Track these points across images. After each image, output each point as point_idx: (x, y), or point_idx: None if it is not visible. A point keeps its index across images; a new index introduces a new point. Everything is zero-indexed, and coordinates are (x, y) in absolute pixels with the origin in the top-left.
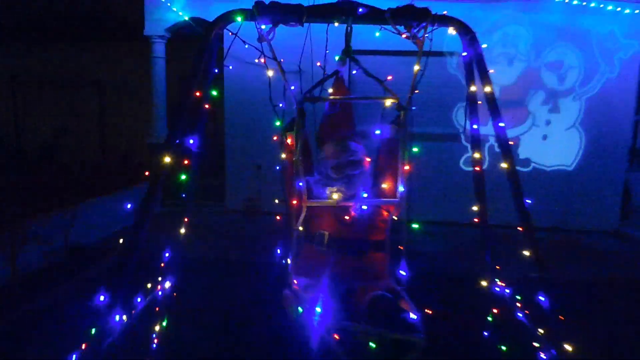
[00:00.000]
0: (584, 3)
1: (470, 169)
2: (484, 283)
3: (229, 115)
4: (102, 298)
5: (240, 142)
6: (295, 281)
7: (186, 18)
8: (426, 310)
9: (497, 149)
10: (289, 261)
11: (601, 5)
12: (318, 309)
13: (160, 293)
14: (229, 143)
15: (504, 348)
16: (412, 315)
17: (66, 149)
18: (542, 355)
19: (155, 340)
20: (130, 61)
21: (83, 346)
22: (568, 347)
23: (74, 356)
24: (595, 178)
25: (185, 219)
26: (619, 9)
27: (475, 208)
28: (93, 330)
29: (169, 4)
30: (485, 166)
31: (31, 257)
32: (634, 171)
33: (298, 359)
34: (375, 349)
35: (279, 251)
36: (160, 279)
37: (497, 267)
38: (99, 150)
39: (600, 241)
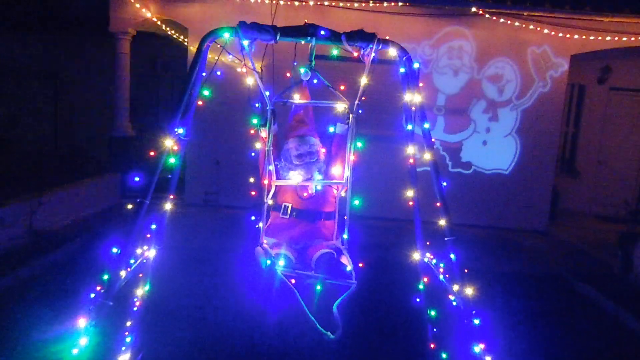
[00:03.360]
0: (523, 25)
1: (419, 169)
2: (416, 256)
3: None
4: (115, 250)
5: (199, 138)
6: (265, 240)
7: (151, 17)
8: (360, 264)
9: (442, 152)
10: (260, 225)
11: (538, 28)
12: (281, 261)
13: (144, 261)
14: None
15: (420, 286)
16: (348, 268)
17: (19, 140)
18: (454, 304)
19: (137, 304)
20: (88, 54)
21: (98, 288)
22: (470, 293)
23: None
24: (527, 182)
25: (171, 195)
26: (552, 32)
27: (410, 194)
28: (105, 277)
29: (135, 3)
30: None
31: None
32: (562, 177)
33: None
34: (319, 290)
35: (253, 218)
36: (145, 247)
37: (428, 242)
38: (52, 143)
39: (529, 240)
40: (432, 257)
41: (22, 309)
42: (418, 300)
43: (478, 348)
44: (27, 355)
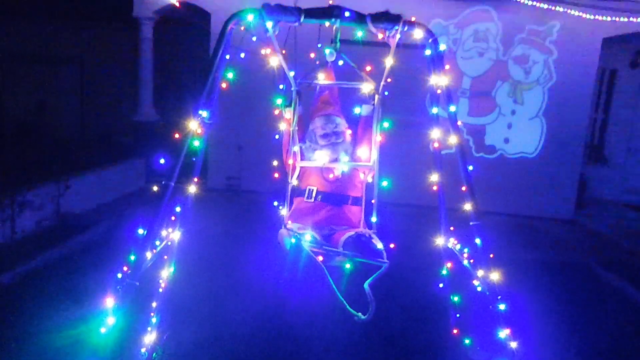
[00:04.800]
0: (552, 7)
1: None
2: (440, 241)
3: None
4: (141, 231)
5: (221, 123)
6: (289, 222)
7: (174, 1)
8: (391, 245)
9: (466, 136)
10: (284, 210)
11: (568, 10)
12: (307, 236)
13: (169, 243)
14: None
15: (444, 272)
16: (379, 246)
17: (46, 126)
18: (479, 289)
19: (162, 285)
20: (113, 41)
21: (125, 269)
22: (495, 278)
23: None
24: (554, 167)
25: (196, 179)
26: (583, 14)
27: (434, 178)
28: (132, 257)
29: None
30: (453, 150)
31: (25, 223)
32: (591, 166)
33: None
34: (349, 269)
35: (275, 203)
36: (170, 230)
37: (452, 228)
38: (78, 128)
39: (555, 228)
40: (456, 242)
41: (51, 290)
42: (441, 285)
43: (503, 333)
44: (56, 334)
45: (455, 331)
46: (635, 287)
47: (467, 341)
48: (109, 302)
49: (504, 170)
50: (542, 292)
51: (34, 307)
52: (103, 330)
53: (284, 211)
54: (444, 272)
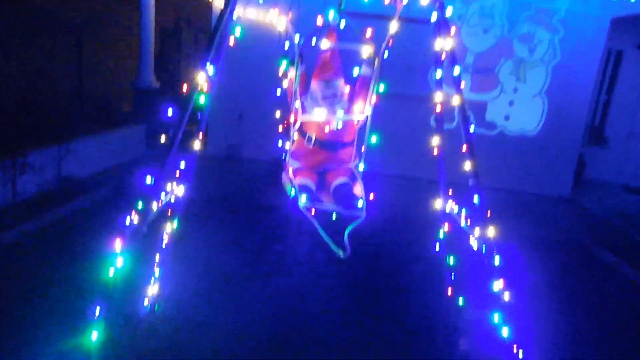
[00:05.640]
0: None
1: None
2: (438, 204)
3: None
4: (149, 179)
5: (222, 90)
6: (290, 161)
7: None
8: (371, 195)
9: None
10: (289, 159)
11: None
12: (303, 197)
13: (173, 199)
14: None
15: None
16: (360, 204)
17: (42, 94)
18: (474, 248)
19: (166, 239)
20: (113, 7)
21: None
22: (491, 232)
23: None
24: (553, 146)
25: (200, 135)
26: None
27: (435, 142)
28: (140, 205)
29: None
30: (454, 126)
31: (27, 186)
32: (591, 147)
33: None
34: (335, 219)
35: (280, 143)
36: (175, 184)
37: (450, 191)
38: (76, 96)
39: (551, 206)
40: (454, 204)
41: (55, 248)
42: (438, 247)
43: (498, 285)
44: (64, 283)
45: (449, 291)
46: (628, 265)
47: (460, 301)
48: (118, 245)
49: (504, 147)
50: (535, 267)
51: (34, 264)
52: (112, 270)
53: (291, 162)
54: (441, 234)
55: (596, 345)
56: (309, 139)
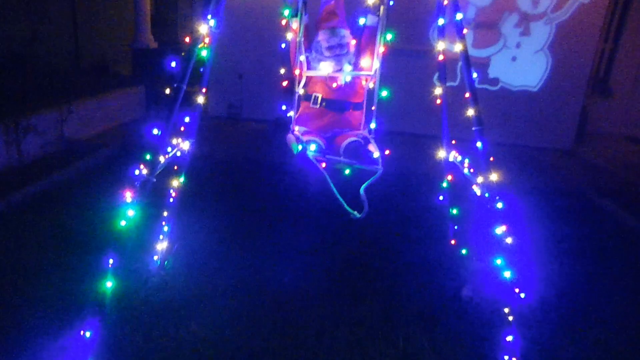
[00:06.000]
0: None
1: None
2: (442, 154)
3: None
4: (156, 131)
5: (222, 50)
6: (296, 127)
7: None
8: (386, 152)
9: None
10: (292, 113)
11: None
12: (312, 146)
13: (179, 154)
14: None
15: (444, 184)
16: (375, 154)
17: (38, 57)
18: (477, 194)
19: (173, 194)
20: None
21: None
22: (494, 177)
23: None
24: (555, 100)
25: (204, 89)
26: None
27: (438, 91)
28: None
29: None
30: (456, 83)
31: (30, 148)
32: (594, 97)
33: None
34: (348, 174)
35: (284, 107)
36: (180, 140)
37: (453, 141)
38: (73, 58)
39: (553, 158)
40: (457, 154)
41: (63, 206)
42: (441, 198)
43: (500, 230)
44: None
45: (453, 242)
46: (628, 213)
47: (464, 251)
48: (128, 196)
49: (506, 102)
50: (537, 217)
51: (43, 223)
52: (123, 223)
53: (291, 113)
54: (444, 184)
55: (593, 285)
56: (315, 99)
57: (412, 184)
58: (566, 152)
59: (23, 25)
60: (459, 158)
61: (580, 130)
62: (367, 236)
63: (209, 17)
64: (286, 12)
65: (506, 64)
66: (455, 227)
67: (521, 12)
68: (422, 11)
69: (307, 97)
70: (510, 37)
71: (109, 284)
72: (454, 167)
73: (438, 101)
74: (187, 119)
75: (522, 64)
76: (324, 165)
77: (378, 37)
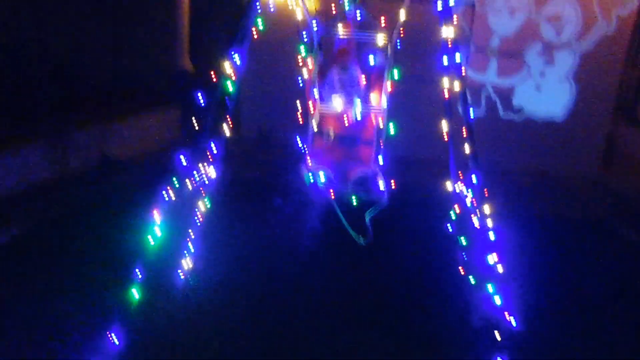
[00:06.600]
0: None
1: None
2: (449, 186)
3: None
4: (183, 159)
5: (254, 75)
6: (309, 160)
7: None
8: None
9: (493, 96)
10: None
11: None
12: (322, 177)
13: (206, 180)
14: (245, 77)
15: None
16: (381, 187)
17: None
18: (476, 226)
19: (200, 218)
20: None
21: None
22: (487, 210)
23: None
24: (580, 128)
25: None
26: None
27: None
28: (175, 181)
29: None
30: (481, 111)
31: (72, 164)
32: (622, 125)
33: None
34: (356, 203)
35: (299, 142)
36: (206, 165)
37: (460, 173)
38: (115, 75)
39: (578, 186)
40: (462, 186)
41: (101, 216)
42: (450, 228)
43: (492, 258)
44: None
45: (461, 270)
46: None
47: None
48: (156, 215)
49: (531, 130)
50: (558, 245)
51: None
52: (150, 238)
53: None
54: (452, 215)
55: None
56: (328, 134)
57: (420, 210)
58: (593, 181)
59: (68, 45)
60: (465, 190)
61: (607, 158)
62: (381, 263)
63: (234, 54)
64: (302, 51)
65: (530, 93)
66: (464, 255)
67: (545, 41)
68: (430, 39)
69: (320, 133)
70: (534, 65)
71: (136, 295)
72: (461, 198)
73: (445, 138)
74: (213, 147)
75: (547, 93)
76: (332, 194)
77: (386, 74)
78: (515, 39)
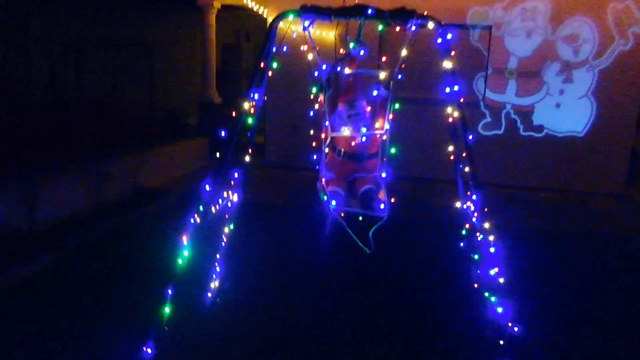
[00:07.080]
0: None
1: (487, 133)
2: (457, 204)
3: (271, 85)
4: (207, 188)
5: (278, 105)
6: (323, 174)
7: None
8: (392, 199)
9: (513, 116)
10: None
11: None
12: (333, 202)
13: (229, 204)
14: (269, 107)
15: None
16: (382, 206)
17: (117, 107)
18: (479, 239)
19: (225, 240)
20: (180, 26)
21: (195, 215)
22: (487, 226)
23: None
24: (603, 144)
25: (250, 150)
26: None
27: (450, 149)
28: (201, 207)
29: None
30: (501, 131)
31: (106, 193)
32: None
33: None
34: (361, 218)
35: (315, 157)
36: (230, 192)
37: (468, 192)
38: (147, 108)
39: (602, 203)
40: (471, 204)
41: (133, 242)
42: (462, 245)
43: (493, 271)
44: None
45: (476, 285)
46: None
47: (487, 294)
48: (184, 239)
49: (552, 149)
50: (582, 261)
51: (114, 258)
52: (180, 261)
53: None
54: (464, 232)
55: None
56: (339, 151)
57: (432, 227)
58: (618, 197)
59: (105, 78)
60: (472, 207)
61: (632, 174)
62: (394, 277)
63: (252, 93)
64: (314, 90)
65: (550, 111)
66: (478, 272)
67: (563, 60)
68: (433, 64)
69: (333, 148)
70: (553, 84)
71: (167, 310)
72: (470, 216)
73: (452, 157)
74: (236, 175)
75: (567, 110)
76: (342, 215)
77: (388, 105)
78: (533, 59)
